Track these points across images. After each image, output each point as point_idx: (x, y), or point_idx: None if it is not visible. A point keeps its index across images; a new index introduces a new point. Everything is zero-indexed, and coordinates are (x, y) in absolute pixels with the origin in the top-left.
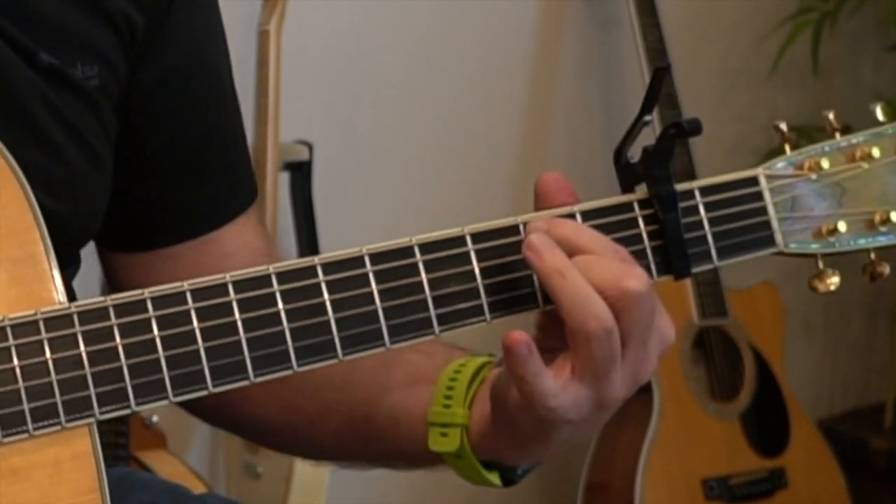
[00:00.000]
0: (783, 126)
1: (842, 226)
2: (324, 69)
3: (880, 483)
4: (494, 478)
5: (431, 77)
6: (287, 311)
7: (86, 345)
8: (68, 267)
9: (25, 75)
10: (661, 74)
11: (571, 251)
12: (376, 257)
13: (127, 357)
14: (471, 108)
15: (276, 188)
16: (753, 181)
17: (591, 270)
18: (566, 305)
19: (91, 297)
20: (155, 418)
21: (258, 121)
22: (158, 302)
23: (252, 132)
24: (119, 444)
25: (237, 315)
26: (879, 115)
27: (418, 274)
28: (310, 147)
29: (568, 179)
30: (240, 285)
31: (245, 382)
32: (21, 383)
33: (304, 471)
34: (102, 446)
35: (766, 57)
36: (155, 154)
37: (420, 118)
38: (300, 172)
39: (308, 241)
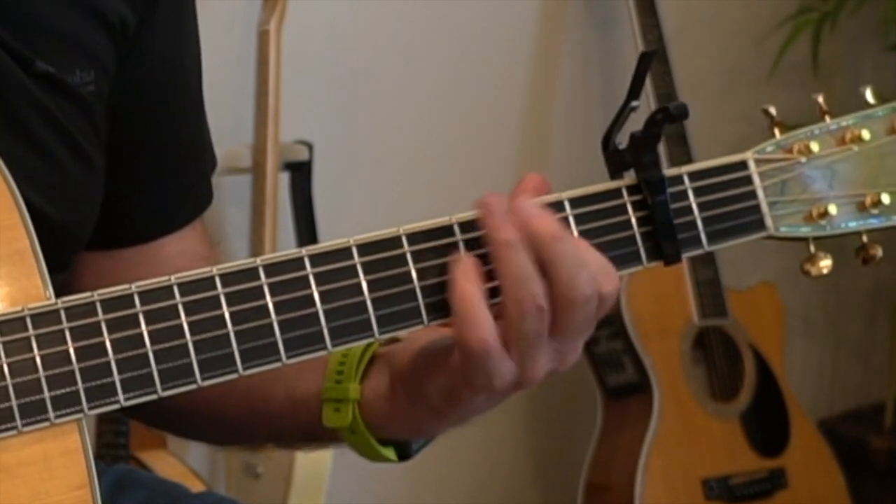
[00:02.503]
0: (772, 110)
1: (832, 209)
2: (324, 69)
3: (880, 483)
4: (390, 453)
5: (431, 77)
6: (275, 304)
7: (73, 341)
8: (61, 272)
9: (21, 83)
10: (646, 59)
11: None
12: (364, 248)
13: (115, 352)
14: (471, 108)
15: (276, 188)
16: (742, 165)
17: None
18: (508, 280)
19: None
20: None
21: (258, 121)
22: (145, 297)
23: (252, 132)
24: (119, 443)
25: (225, 308)
26: (870, 98)
27: (406, 264)
28: (310, 147)
29: (567, 179)
30: (227, 278)
31: (234, 375)
32: (9, 380)
33: (304, 471)
34: (103, 446)
35: (766, 57)
36: (119, 153)
37: (420, 118)
38: (300, 172)
39: (308, 242)
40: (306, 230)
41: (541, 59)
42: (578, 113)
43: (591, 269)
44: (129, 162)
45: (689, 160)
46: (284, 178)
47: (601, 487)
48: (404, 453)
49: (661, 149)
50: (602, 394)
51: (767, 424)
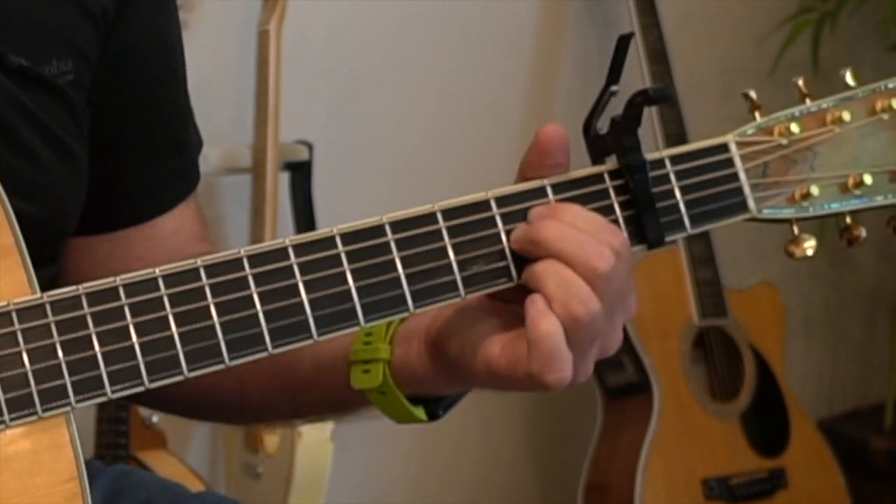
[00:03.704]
0: (752, 94)
1: (815, 190)
2: (324, 69)
3: (880, 483)
4: (420, 412)
5: (431, 77)
6: (260, 294)
7: (59, 334)
8: (48, 266)
9: None
10: (624, 43)
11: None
12: (347, 237)
13: (101, 345)
14: (471, 109)
15: (276, 188)
16: (724, 148)
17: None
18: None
19: None
20: (155, 418)
21: (258, 121)
22: (130, 289)
23: (252, 132)
24: (119, 444)
25: (210, 299)
26: (849, 80)
27: (390, 252)
28: (310, 147)
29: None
30: (211, 270)
31: (220, 366)
32: None
33: (304, 471)
34: (102, 446)
35: (766, 57)
36: (106, 135)
37: (420, 118)
38: (300, 172)
39: None
40: (306, 230)
41: (541, 58)
42: (578, 113)
43: (593, 238)
44: (119, 144)
45: None
46: (284, 178)
47: (601, 487)
48: (432, 414)
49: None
50: (602, 394)
51: (767, 424)
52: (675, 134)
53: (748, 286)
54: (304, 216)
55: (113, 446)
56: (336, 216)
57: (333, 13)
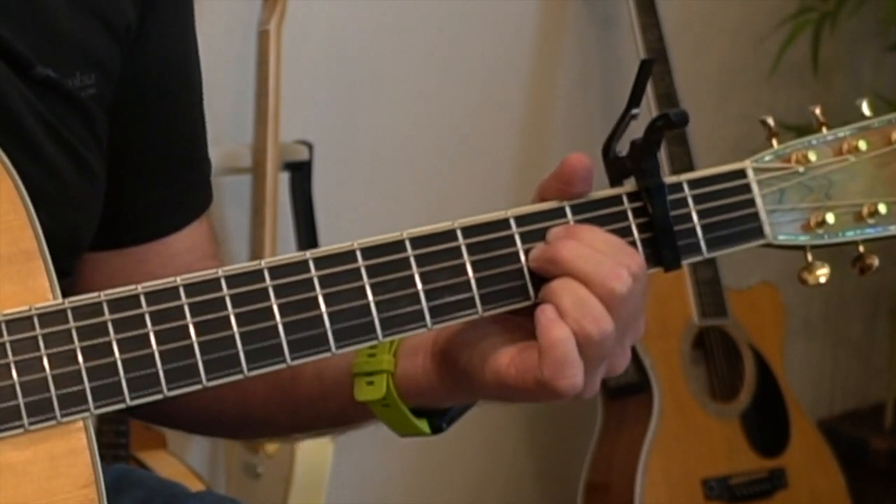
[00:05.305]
0: (770, 120)
1: (830, 218)
2: (324, 69)
3: (880, 483)
4: (423, 425)
5: (431, 77)
6: (280, 306)
7: (80, 340)
8: (63, 277)
9: (20, 89)
10: (646, 67)
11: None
12: (368, 251)
13: (121, 352)
14: (471, 108)
15: (276, 188)
16: (741, 174)
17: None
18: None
19: None
20: None
21: (258, 121)
22: (151, 297)
23: (252, 132)
24: (119, 443)
25: (230, 310)
26: (866, 110)
27: (410, 268)
28: (310, 147)
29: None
30: (232, 280)
31: (239, 376)
32: (16, 378)
33: (304, 471)
34: (103, 446)
35: (766, 57)
36: (122, 151)
37: (420, 118)
38: (300, 172)
39: (308, 241)
40: (306, 230)
41: (541, 58)
42: (578, 112)
43: (612, 259)
44: (135, 160)
45: (690, 160)
46: (284, 178)
47: (601, 487)
48: (435, 427)
49: (662, 148)
50: (602, 394)
51: (767, 424)
52: (675, 134)
53: (748, 286)
54: (304, 216)
55: (113, 446)
56: (336, 216)
57: (333, 13)
